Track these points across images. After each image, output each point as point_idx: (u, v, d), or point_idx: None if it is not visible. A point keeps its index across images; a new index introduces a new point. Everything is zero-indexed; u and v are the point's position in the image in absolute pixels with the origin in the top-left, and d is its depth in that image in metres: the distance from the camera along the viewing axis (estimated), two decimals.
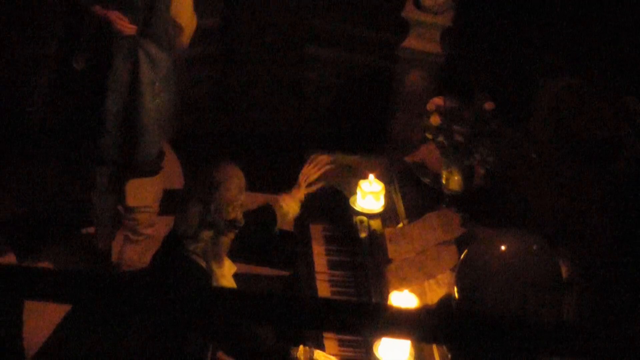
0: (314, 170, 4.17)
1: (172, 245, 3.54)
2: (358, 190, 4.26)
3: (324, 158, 4.19)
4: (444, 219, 3.95)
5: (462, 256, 2.99)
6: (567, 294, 3.43)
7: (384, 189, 4.26)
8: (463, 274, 2.84)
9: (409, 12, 5.32)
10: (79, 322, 4.71)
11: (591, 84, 3.82)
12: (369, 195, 4.23)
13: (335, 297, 3.99)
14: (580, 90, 3.77)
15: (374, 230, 4.11)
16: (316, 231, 4.41)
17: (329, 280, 4.12)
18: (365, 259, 3.99)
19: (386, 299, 3.51)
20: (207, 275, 3.53)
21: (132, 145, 4.78)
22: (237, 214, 3.53)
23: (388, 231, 4.07)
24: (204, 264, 3.53)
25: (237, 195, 3.50)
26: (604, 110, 3.67)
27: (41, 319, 4.66)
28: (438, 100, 3.88)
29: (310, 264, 4.21)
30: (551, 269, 2.80)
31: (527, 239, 2.83)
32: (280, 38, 6.69)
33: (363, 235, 4.12)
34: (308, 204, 4.26)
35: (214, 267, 3.56)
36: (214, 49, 6.73)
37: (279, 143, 6.34)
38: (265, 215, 4.04)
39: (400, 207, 4.25)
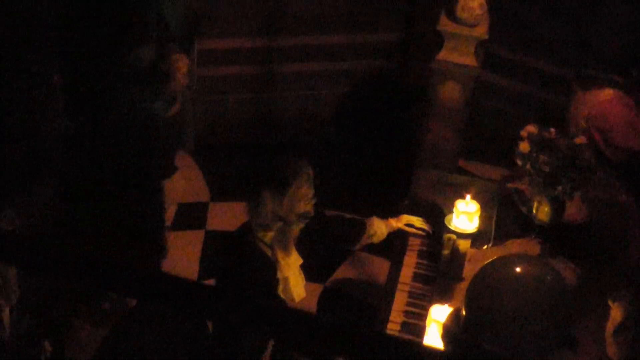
0: (419, 223, 4.33)
1: (244, 232, 3.73)
2: (454, 210, 4.30)
3: (429, 227, 4.35)
4: (524, 247, 3.94)
5: (476, 273, 3.00)
6: (620, 335, 3.35)
7: (479, 210, 4.27)
8: (473, 291, 2.86)
9: (444, 25, 5.30)
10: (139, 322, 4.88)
11: (630, 95, 3.70)
12: (463, 215, 4.26)
13: (409, 308, 4.06)
14: (620, 101, 3.66)
15: (457, 248, 4.14)
16: (414, 244, 4.48)
17: (409, 292, 4.18)
18: (440, 275, 4.04)
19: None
20: (272, 264, 3.70)
21: None
22: (307, 208, 3.67)
23: (470, 251, 4.09)
24: (270, 253, 3.70)
25: (307, 190, 3.65)
26: None
27: None
28: (531, 128, 3.87)
29: (397, 274, 4.30)
30: (560, 302, 2.76)
31: (542, 268, 2.81)
32: None
33: (446, 252, 4.16)
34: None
35: (280, 256, 3.72)
36: (390, 63, 6.87)
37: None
38: (354, 228, 4.20)
39: (491, 231, 4.26)
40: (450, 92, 5.23)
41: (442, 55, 5.34)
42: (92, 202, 4.85)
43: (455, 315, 2.95)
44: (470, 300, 2.81)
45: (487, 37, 5.27)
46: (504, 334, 2.73)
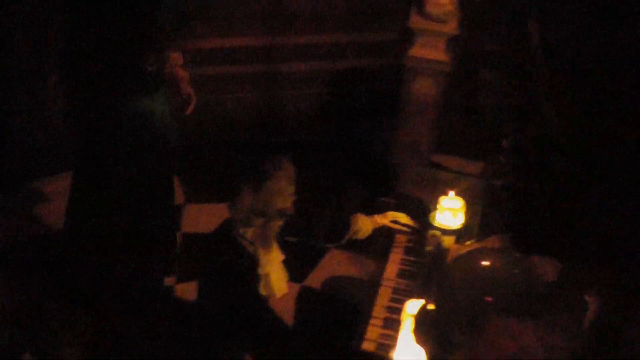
0: (405, 219, 4.36)
1: (226, 229, 3.77)
2: (438, 206, 4.32)
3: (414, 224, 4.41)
4: (504, 242, 3.94)
5: (445, 267, 3.02)
6: (595, 330, 3.38)
7: (464, 206, 4.28)
8: (441, 284, 2.88)
9: (415, 21, 5.33)
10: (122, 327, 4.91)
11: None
12: (447, 212, 4.28)
13: (393, 304, 4.07)
14: None
15: (440, 244, 4.15)
16: (400, 241, 4.50)
17: (393, 288, 4.20)
18: (422, 271, 4.06)
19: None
20: (253, 260, 3.74)
21: None
22: (285, 204, 3.71)
23: (453, 247, 4.10)
24: (251, 249, 3.74)
25: (285, 186, 3.68)
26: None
27: None
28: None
29: (381, 270, 4.32)
30: (528, 292, 2.78)
31: (510, 261, 2.83)
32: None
33: (429, 248, 4.18)
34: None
35: (261, 253, 3.76)
36: (386, 62, 6.87)
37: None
38: (339, 225, 4.23)
39: (476, 227, 4.27)
40: (422, 87, 5.26)
41: (413, 51, 5.38)
42: (101, 208, 4.82)
43: (425, 309, 2.97)
44: (439, 294, 2.84)
45: (458, 32, 5.30)
46: (471, 326, 2.76)
